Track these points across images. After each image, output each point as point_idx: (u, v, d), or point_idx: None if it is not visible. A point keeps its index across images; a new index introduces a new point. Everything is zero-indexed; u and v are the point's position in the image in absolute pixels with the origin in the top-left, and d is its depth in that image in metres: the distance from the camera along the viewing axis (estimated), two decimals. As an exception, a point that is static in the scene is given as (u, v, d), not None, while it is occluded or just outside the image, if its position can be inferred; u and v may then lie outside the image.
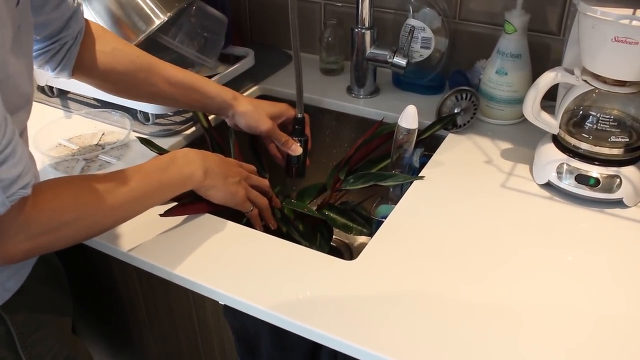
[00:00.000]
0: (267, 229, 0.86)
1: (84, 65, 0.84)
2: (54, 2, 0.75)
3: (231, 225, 0.80)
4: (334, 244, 1.18)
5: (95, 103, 1.12)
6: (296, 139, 0.98)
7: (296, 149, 0.97)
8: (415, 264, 0.73)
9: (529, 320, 0.65)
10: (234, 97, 0.95)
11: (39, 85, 1.15)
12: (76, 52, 0.82)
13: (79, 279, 0.93)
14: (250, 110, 0.95)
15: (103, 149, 0.98)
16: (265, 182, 0.89)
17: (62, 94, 1.15)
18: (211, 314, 0.81)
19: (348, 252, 1.16)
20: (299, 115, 0.98)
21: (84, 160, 0.95)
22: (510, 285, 0.70)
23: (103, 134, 1.04)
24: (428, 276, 0.71)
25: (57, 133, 1.02)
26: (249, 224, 0.84)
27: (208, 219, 0.81)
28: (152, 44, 1.06)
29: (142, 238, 0.77)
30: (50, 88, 1.15)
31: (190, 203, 0.82)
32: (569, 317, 0.65)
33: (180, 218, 0.81)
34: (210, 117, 1.06)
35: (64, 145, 1.00)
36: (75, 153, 0.98)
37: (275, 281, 0.70)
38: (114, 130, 1.04)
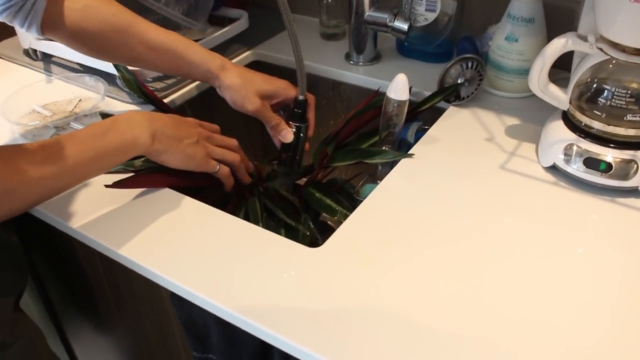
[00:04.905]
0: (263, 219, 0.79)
1: (51, 21, 0.77)
2: None
3: (190, 202, 0.73)
4: (325, 221, 1.10)
5: (79, 68, 1.06)
6: (293, 124, 0.86)
7: (286, 135, 0.85)
8: (388, 254, 0.65)
9: (526, 319, 0.56)
10: (221, 66, 0.84)
11: (23, 49, 1.10)
12: (42, 6, 0.76)
13: (46, 256, 0.88)
14: (238, 85, 0.83)
15: (77, 115, 0.93)
16: (232, 141, 0.82)
17: (46, 58, 1.09)
18: (167, 297, 0.75)
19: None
20: (300, 97, 0.84)
21: (54, 128, 0.90)
22: (506, 286, 0.61)
23: (80, 100, 0.98)
24: (402, 271, 0.63)
25: (33, 98, 0.96)
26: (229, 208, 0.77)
27: (167, 193, 0.74)
28: (134, 6, 0.98)
29: (93, 213, 0.71)
30: (35, 51, 1.09)
31: (146, 175, 0.75)
32: (574, 317, 0.56)
33: (137, 191, 0.74)
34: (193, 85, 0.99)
35: (37, 112, 0.94)
36: (47, 120, 0.92)
37: (227, 270, 0.63)
38: (91, 95, 0.98)
